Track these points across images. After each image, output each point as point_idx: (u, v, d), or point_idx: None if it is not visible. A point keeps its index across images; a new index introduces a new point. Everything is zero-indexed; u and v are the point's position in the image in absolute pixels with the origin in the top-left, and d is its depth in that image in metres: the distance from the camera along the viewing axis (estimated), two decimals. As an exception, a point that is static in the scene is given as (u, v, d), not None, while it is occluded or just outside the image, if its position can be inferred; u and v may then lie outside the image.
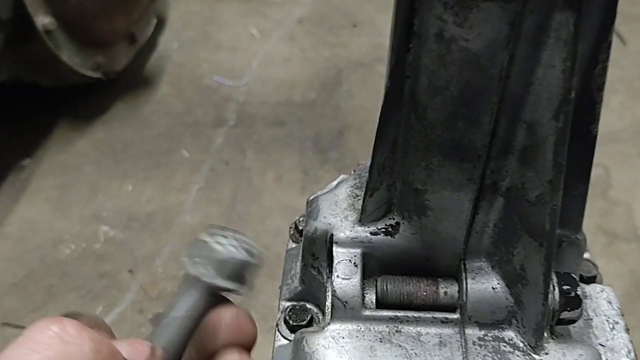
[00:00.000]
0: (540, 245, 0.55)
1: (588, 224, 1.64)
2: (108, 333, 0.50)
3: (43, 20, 1.59)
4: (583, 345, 0.62)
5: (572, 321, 0.63)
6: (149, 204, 1.63)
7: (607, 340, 0.68)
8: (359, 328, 0.62)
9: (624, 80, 2.01)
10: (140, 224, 1.59)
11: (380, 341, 0.62)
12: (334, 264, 0.64)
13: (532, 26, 0.46)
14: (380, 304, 0.64)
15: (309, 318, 0.70)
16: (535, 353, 0.60)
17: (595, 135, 0.58)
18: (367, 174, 0.63)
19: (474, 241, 0.62)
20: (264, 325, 1.40)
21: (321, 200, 0.69)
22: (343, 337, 0.62)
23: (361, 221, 0.65)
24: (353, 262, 0.64)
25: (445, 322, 0.62)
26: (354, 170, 0.75)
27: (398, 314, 0.63)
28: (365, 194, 0.63)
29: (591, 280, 0.75)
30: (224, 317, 0.50)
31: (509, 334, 0.62)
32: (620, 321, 0.70)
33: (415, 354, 0.61)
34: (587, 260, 0.77)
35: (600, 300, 0.71)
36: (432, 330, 0.62)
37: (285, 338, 0.69)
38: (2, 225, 1.58)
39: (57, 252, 1.53)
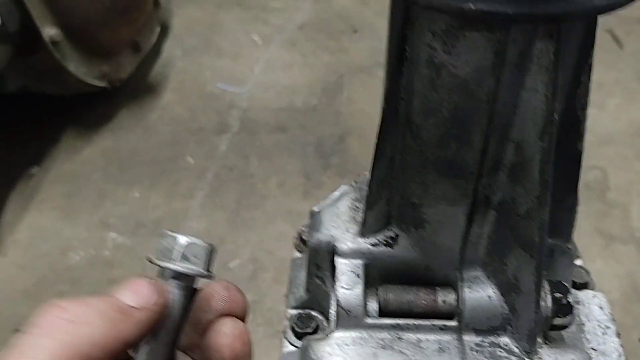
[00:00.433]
0: (531, 256, 0.59)
1: (585, 226, 1.67)
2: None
3: (49, 31, 1.62)
4: (575, 349, 0.65)
5: (564, 327, 0.66)
6: (155, 211, 1.67)
7: (599, 345, 0.71)
8: (362, 335, 0.66)
9: (620, 82, 2.03)
10: (148, 230, 1.62)
11: (383, 348, 0.65)
12: (337, 274, 0.67)
13: (516, 54, 0.49)
14: (382, 312, 0.68)
15: (315, 325, 0.73)
16: (529, 357, 0.64)
17: (581, 151, 0.61)
18: (367, 187, 0.67)
19: (469, 252, 0.65)
20: (270, 329, 1.44)
21: (323, 213, 0.73)
22: (347, 344, 0.65)
23: (362, 233, 0.68)
24: (355, 273, 0.67)
25: (443, 329, 0.66)
26: (355, 182, 0.78)
27: (399, 321, 0.66)
28: (365, 207, 0.66)
29: (583, 286, 0.78)
30: (215, 289, 0.51)
31: (505, 339, 0.65)
32: (611, 326, 0.73)
33: (416, 359, 0.64)
34: (579, 267, 0.80)
35: (592, 306, 0.75)
36: (432, 337, 0.66)
37: (292, 345, 0.73)
38: (12, 233, 1.62)
39: (66, 259, 1.56)
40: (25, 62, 1.67)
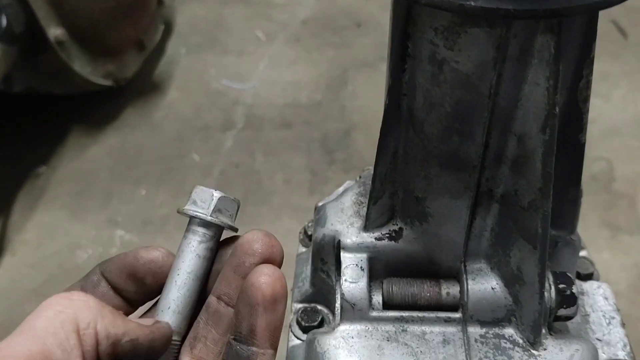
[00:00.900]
0: (534, 248, 0.59)
1: (592, 218, 1.67)
2: None
3: (55, 32, 1.63)
4: (579, 340, 0.66)
5: (569, 318, 0.67)
6: (162, 208, 1.68)
7: (604, 335, 0.72)
8: (367, 328, 0.66)
9: (626, 73, 2.03)
10: (155, 227, 1.63)
11: (388, 340, 0.66)
12: (342, 268, 0.68)
13: (517, 48, 0.50)
14: (387, 305, 0.68)
15: (320, 319, 0.74)
16: (533, 349, 0.64)
17: (584, 143, 0.61)
18: (370, 182, 0.67)
19: (473, 244, 0.66)
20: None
21: (328, 207, 0.73)
22: (352, 337, 0.66)
23: (366, 227, 0.69)
24: (360, 266, 0.68)
25: (448, 321, 0.66)
26: (360, 176, 0.79)
27: (403, 314, 0.67)
28: (369, 202, 0.67)
29: (588, 277, 0.79)
30: (257, 235, 0.54)
31: (509, 331, 0.66)
32: (616, 316, 0.73)
33: (421, 351, 0.65)
34: (584, 257, 0.81)
35: (597, 297, 0.75)
36: (436, 329, 0.66)
37: (298, 338, 0.74)
38: (21, 233, 1.63)
39: (75, 257, 1.58)
40: (31, 62, 1.68)
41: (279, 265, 0.54)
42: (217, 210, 0.53)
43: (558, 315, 0.66)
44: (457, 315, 0.66)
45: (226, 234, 0.56)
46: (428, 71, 0.53)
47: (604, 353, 0.69)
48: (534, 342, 0.64)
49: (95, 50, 1.78)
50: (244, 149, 1.84)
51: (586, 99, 0.58)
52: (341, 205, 0.73)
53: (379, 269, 0.70)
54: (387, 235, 0.68)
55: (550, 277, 0.65)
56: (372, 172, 0.66)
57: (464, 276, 0.66)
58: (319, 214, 0.73)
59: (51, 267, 1.57)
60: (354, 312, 0.67)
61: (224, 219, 0.53)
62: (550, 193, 0.56)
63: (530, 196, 0.57)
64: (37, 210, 1.70)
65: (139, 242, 1.60)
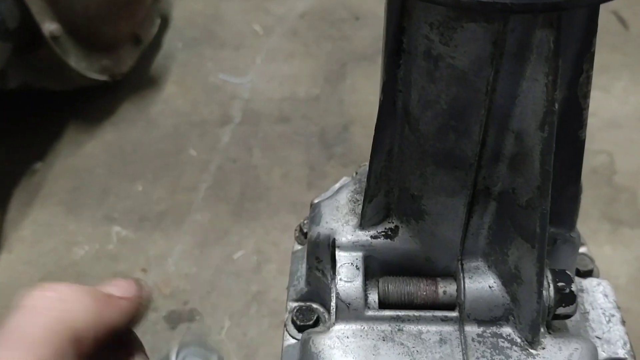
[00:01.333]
0: (532, 247, 0.58)
1: (593, 212, 1.66)
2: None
3: (49, 27, 1.62)
4: (579, 339, 0.64)
5: (568, 316, 0.66)
6: (159, 204, 1.67)
7: (604, 333, 0.71)
8: (362, 328, 0.65)
9: (627, 65, 2.01)
10: (152, 223, 1.62)
11: (383, 340, 0.64)
12: (337, 267, 0.67)
13: (514, 44, 0.48)
14: (383, 304, 0.67)
15: (315, 318, 0.73)
16: (532, 348, 0.63)
17: (584, 140, 0.60)
18: (366, 179, 0.66)
19: (470, 242, 0.64)
20: (275, 319, 1.44)
21: (323, 205, 0.72)
22: (347, 337, 0.65)
23: (361, 226, 0.67)
24: (355, 265, 0.67)
25: (445, 320, 0.65)
26: (356, 173, 0.78)
27: (399, 313, 0.66)
28: (364, 200, 0.66)
29: (588, 274, 0.77)
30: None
31: (507, 330, 0.64)
32: (616, 314, 0.72)
33: (417, 351, 0.63)
34: (584, 254, 0.80)
35: (597, 294, 0.74)
36: (433, 328, 0.65)
37: (293, 337, 0.73)
38: (17, 230, 1.62)
39: (71, 254, 1.57)
40: (26, 58, 1.67)
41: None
42: None
43: (557, 314, 0.64)
44: (454, 314, 0.65)
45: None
46: (423, 67, 0.52)
47: (603, 351, 0.68)
48: (532, 341, 0.62)
49: (90, 45, 1.77)
50: (241, 144, 1.83)
51: (586, 95, 0.57)
52: (336, 203, 0.71)
53: (375, 268, 0.68)
54: (382, 233, 0.67)
55: (549, 276, 0.64)
56: (367, 169, 0.64)
57: (461, 274, 0.65)
58: (314, 212, 0.72)
59: (48, 264, 1.56)
60: (349, 311, 0.65)
61: None
62: (549, 191, 0.54)
63: (528, 194, 0.56)
64: (34, 207, 1.69)
65: (136, 239, 1.59)
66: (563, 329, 0.68)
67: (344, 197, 0.72)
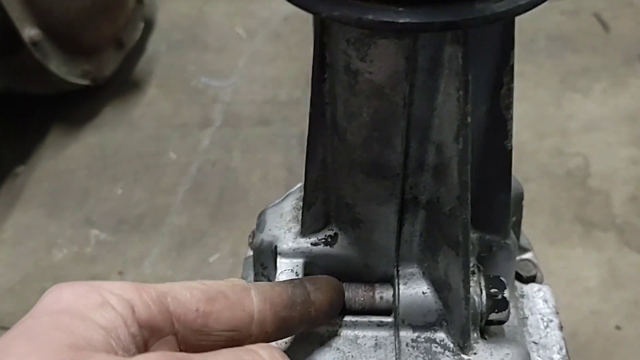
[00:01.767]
0: (457, 255, 0.59)
1: (566, 214, 1.68)
2: None
3: (29, 32, 1.64)
4: (511, 344, 0.66)
5: (501, 322, 0.67)
6: (138, 207, 1.69)
7: (541, 338, 0.72)
8: (300, 334, 0.67)
9: (606, 67, 2.03)
10: (130, 226, 1.64)
11: (320, 345, 0.66)
12: (277, 274, 0.68)
13: (427, 59, 0.50)
14: (322, 310, 0.69)
15: (261, 322, 0.74)
16: (464, 353, 0.64)
17: (510, 150, 0.61)
18: (305, 188, 0.68)
19: (404, 249, 0.66)
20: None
21: (268, 213, 0.74)
22: (286, 342, 0.67)
23: (302, 233, 0.69)
24: (295, 271, 0.68)
25: (380, 325, 0.67)
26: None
27: (337, 319, 0.67)
28: (302, 208, 0.67)
29: (531, 279, 0.79)
30: None
31: (441, 335, 0.66)
32: (554, 319, 0.74)
33: (352, 356, 0.65)
34: (528, 260, 0.81)
35: (537, 299, 0.76)
36: (369, 333, 0.67)
37: (239, 343, 0.74)
38: (-1, 232, 1.65)
39: (50, 256, 1.58)
40: (6, 62, 1.69)
41: None
42: None
43: (490, 320, 0.66)
44: (390, 319, 0.66)
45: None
46: (345, 81, 0.54)
47: (539, 356, 0.70)
48: (463, 346, 0.64)
49: (71, 49, 1.79)
50: (221, 147, 1.84)
51: (509, 106, 0.58)
52: (281, 210, 0.73)
53: (317, 274, 0.70)
54: (322, 240, 0.68)
55: (482, 281, 0.66)
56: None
57: (396, 280, 0.66)
58: (260, 219, 0.74)
59: (27, 266, 1.58)
60: (288, 317, 0.67)
61: None
62: (468, 201, 0.56)
63: (450, 204, 0.57)
64: (15, 210, 1.71)
65: (114, 242, 1.61)
66: (499, 334, 0.69)
67: (288, 205, 0.74)
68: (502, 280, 0.67)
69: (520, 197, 0.75)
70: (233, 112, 1.95)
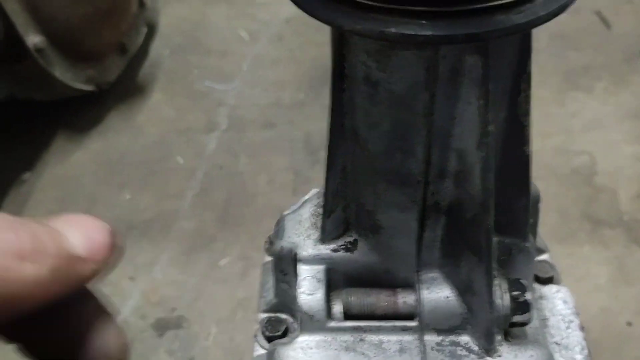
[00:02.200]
0: (480, 260, 0.60)
1: (573, 212, 1.68)
2: None
3: (34, 39, 1.63)
4: (535, 345, 0.67)
5: (524, 324, 0.68)
6: (146, 212, 1.69)
7: (562, 339, 0.73)
8: (325, 338, 0.68)
9: (608, 66, 2.03)
10: (139, 231, 1.64)
11: (346, 350, 0.67)
12: (299, 280, 0.69)
13: (447, 69, 0.50)
14: (346, 315, 0.69)
15: (284, 329, 0.75)
16: (488, 355, 0.65)
17: (529, 155, 0.62)
18: (325, 195, 0.68)
19: (425, 255, 0.66)
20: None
21: (287, 220, 0.74)
22: (311, 348, 0.67)
23: (322, 240, 0.70)
24: (316, 278, 0.69)
25: (405, 329, 0.67)
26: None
27: (361, 324, 0.68)
28: (323, 215, 0.68)
29: (548, 281, 0.79)
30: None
31: (465, 338, 0.67)
32: (574, 319, 0.74)
33: (377, 360, 0.66)
34: (545, 261, 0.82)
35: (556, 300, 0.76)
36: (393, 337, 0.67)
37: (262, 348, 0.75)
38: (6, 240, 1.64)
39: (60, 264, 1.58)
40: (10, 70, 1.69)
41: None
42: None
43: (513, 322, 0.67)
44: (414, 323, 0.67)
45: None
46: (365, 92, 0.54)
47: (561, 357, 0.70)
48: (488, 349, 0.65)
49: (75, 55, 1.79)
50: (227, 151, 1.85)
51: (526, 112, 0.59)
52: (299, 217, 0.73)
53: (339, 280, 0.71)
54: (342, 247, 0.69)
55: (504, 285, 0.66)
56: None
57: (419, 285, 0.67)
58: (278, 226, 0.74)
59: (36, 274, 1.58)
60: (312, 323, 0.68)
61: None
62: (492, 208, 0.56)
63: (473, 210, 0.58)
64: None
65: (123, 246, 1.61)
66: (522, 335, 0.70)
67: (306, 212, 0.74)
68: (522, 283, 0.67)
69: (536, 200, 0.75)
70: (238, 115, 1.95)
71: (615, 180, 1.69)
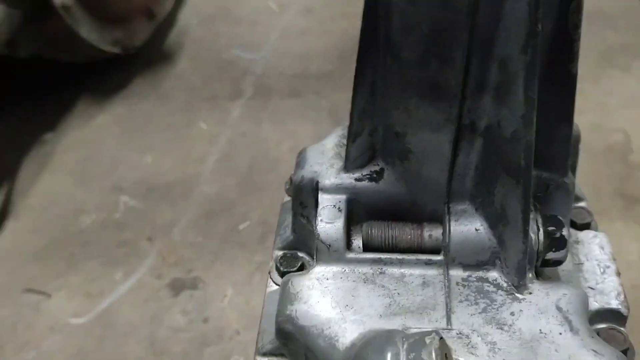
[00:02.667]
0: (517, 182, 0.55)
1: (606, 188, 1.62)
2: None
3: (60, -4, 1.62)
4: (568, 285, 0.62)
5: (558, 262, 0.63)
6: (167, 175, 1.66)
7: (597, 284, 0.68)
8: (343, 270, 0.64)
9: (648, 44, 1.96)
10: (159, 194, 1.62)
11: (364, 282, 0.63)
12: (319, 209, 0.65)
13: (495, -43, 0.46)
14: (367, 248, 0.65)
15: (299, 265, 0.71)
16: (518, 292, 0.61)
17: (575, 74, 0.57)
18: (351, 121, 0.64)
19: (456, 184, 0.62)
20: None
21: (309, 150, 0.70)
22: (327, 279, 0.63)
23: (346, 168, 0.66)
24: (337, 207, 0.65)
25: (429, 263, 0.63)
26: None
27: (382, 256, 0.64)
28: (347, 139, 0.64)
29: (585, 227, 0.75)
30: None
31: (493, 274, 0.62)
32: (611, 265, 0.69)
33: (398, 293, 0.61)
34: (582, 208, 0.77)
35: (593, 246, 0.71)
36: (416, 271, 0.63)
37: (276, 284, 0.71)
38: (25, 198, 1.63)
39: (78, 222, 1.57)
40: (36, 28, 1.67)
41: None
42: None
43: (546, 260, 0.62)
44: (439, 257, 0.63)
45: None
46: (403, -12, 0.50)
47: (596, 302, 0.65)
48: (518, 285, 0.60)
49: (102, 16, 1.77)
50: (251, 118, 1.81)
51: (577, 25, 0.54)
52: (322, 147, 0.70)
53: (361, 213, 0.67)
54: (367, 176, 0.65)
55: (539, 219, 0.62)
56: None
57: (447, 217, 0.62)
58: (300, 157, 0.71)
59: (54, 231, 1.56)
60: (329, 253, 0.64)
61: None
62: (534, 121, 0.52)
63: (513, 125, 0.53)
64: (43, 176, 1.70)
65: (143, 209, 1.59)
66: (554, 277, 0.65)
67: (330, 142, 0.70)
68: (559, 219, 0.63)
69: (577, 140, 0.71)
70: (264, 84, 1.92)
71: (652, 159, 1.62)
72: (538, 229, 0.61)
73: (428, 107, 0.57)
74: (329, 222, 0.64)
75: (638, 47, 1.95)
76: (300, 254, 0.72)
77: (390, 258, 0.63)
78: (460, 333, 0.58)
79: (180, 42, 2.08)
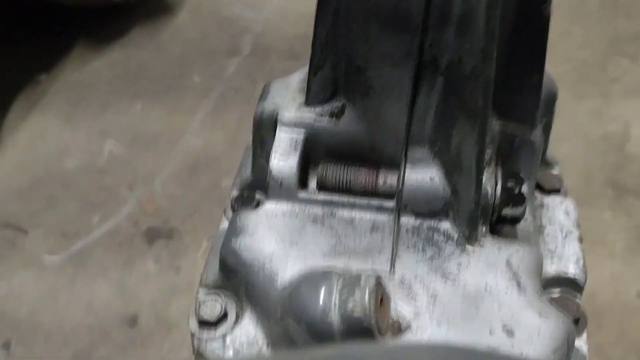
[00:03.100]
0: (474, 124, 0.53)
1: (598, 177, 1.58)
2: None
3: None
4: (521, 243, 0.60)
5: (516, 220, 0.61)
6: (155, 124, 1.64)
7: (557, 248, 0.66)
8: (293, 209, 0.62)
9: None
10: (145, 142, 1.60)
11: (313, 222, 0.61)
12: (275, 144, 0.63)
13: None
14: (321, 189, 0.63)
15: (255, 204, 0.69)
16: (469, 243, 0.58)
17: (548, 17, 0.54)
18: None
19: (416, 127, 0.60)
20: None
21: (273, 84, 0.68)
22: (276, 216, 0.61)
23: (307, 102, 0.63)
24: (292, 144, 0.63)
25: (380, 208, 0.61)
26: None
27: (334, 198, 0.62)
28: (309, 72, 0.61)
29: (553, 192, 0.72)
30: None
31: (445, 225, 0.60)
32: (574, 231, 0.67)
33: (345, 235, 0.59)
34: (555, 175, 0.74)
35: (558, 211, 0.69)
36: (367, 215, 0.61)
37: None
38: (14, 133, 1.62)
39: (62, 164, 1.55)
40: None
41: None
42: None
43: (503, 216, 0.60)
44: (391, 204, 0.60)
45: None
46: None
47: (553, 264, 0.63)
48: (469, 237, 0.58)
49: (104, -40, 1.74)
50: (246, 76, 1.79)
51: (551, -38, 0.51)
52: (287, 82, 0.67)
53: (319, 152, 0.64)
54: (328, 112, 0.62)
55: (499, 174, 0.59)
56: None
57: (403, 163, 0.60)
58: (264, 90, 0.68)
59: (37, 170, 1.55)
60: (280, 190, 0.62)
61: None
62: (494, 55, 0.49)
63: (473, 61, 0.51)
64: (33, 115, 1.68)
65: (127, 157, 1.57)
66: (511, 235, 0.63)
67: (295, 78, 0.68)
68: (521, 177, 0.60)
69: (552, 97, 0.67)
70: (262, 43, 1.89)
71: (649, 150, 1.58)
72: (496, 183, 0.58)
73: (389, 39, 0.54)
74: (283, 157, 0.61)
75: (646, 36, 1.90)
76: (258, 196, 0.70)
77: (342, 200, 0.61)
78: (402, 280, 0.56)
79: (182, -5, 2.05)
